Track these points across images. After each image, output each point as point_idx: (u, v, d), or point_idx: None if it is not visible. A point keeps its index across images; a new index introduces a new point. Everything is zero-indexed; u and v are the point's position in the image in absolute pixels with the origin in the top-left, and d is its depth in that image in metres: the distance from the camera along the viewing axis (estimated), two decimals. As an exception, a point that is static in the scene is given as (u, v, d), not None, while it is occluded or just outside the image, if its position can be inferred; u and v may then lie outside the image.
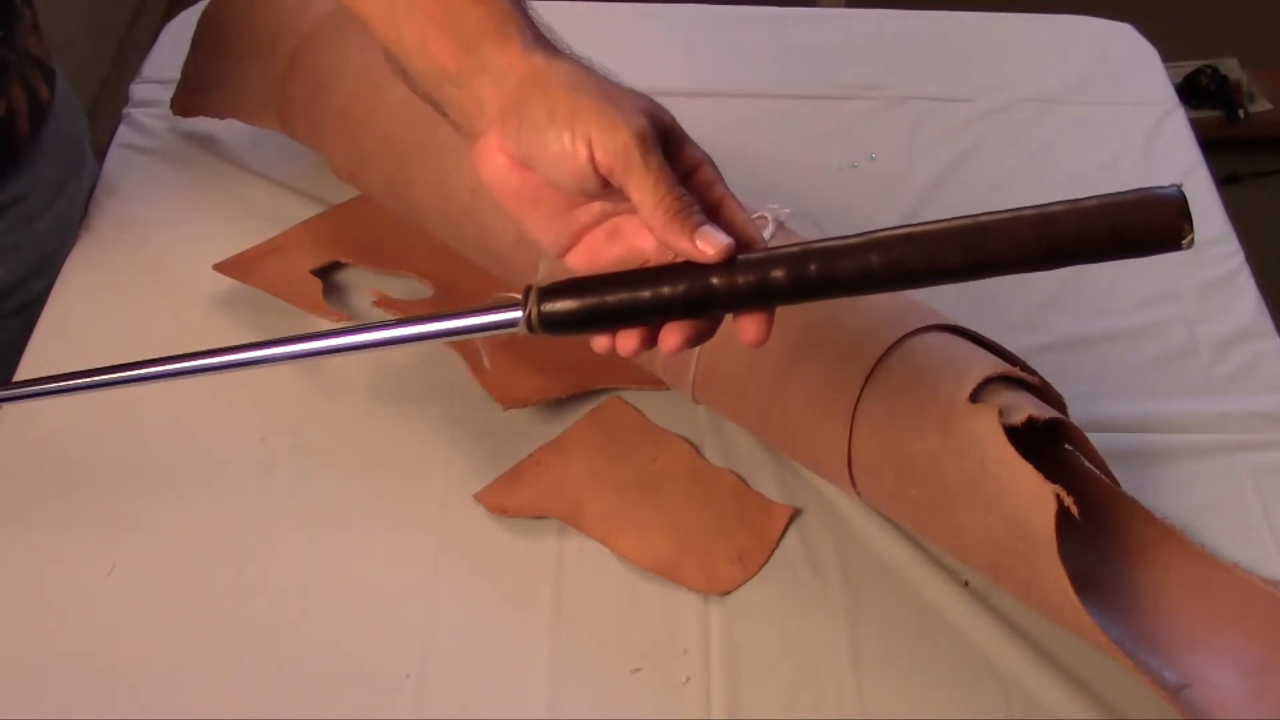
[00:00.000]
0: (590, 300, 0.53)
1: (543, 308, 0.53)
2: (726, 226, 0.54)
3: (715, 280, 0.52)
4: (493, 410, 0.77)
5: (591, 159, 0.52)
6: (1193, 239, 0.48)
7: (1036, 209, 0.50)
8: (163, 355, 0.80)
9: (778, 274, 0.51)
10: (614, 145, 0.51)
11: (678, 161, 0.54)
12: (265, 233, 0.86)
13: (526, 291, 0.54)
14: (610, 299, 0.53)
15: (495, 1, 0.55)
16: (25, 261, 0.87)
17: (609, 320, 0.53)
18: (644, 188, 0.52)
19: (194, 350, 0.59)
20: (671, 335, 0.54)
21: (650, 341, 0.54)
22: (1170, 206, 0.48)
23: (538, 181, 0.54)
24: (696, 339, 0.54)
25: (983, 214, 0.50)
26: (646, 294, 0.52)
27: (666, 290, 0.52)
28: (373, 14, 0.59)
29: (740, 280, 0.52)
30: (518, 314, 0.54)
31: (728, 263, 0.52)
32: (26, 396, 0.64)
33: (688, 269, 0.52)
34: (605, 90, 0.53)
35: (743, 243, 0.54)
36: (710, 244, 0.52)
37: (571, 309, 0.53)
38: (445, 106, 0.57)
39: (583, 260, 0.56)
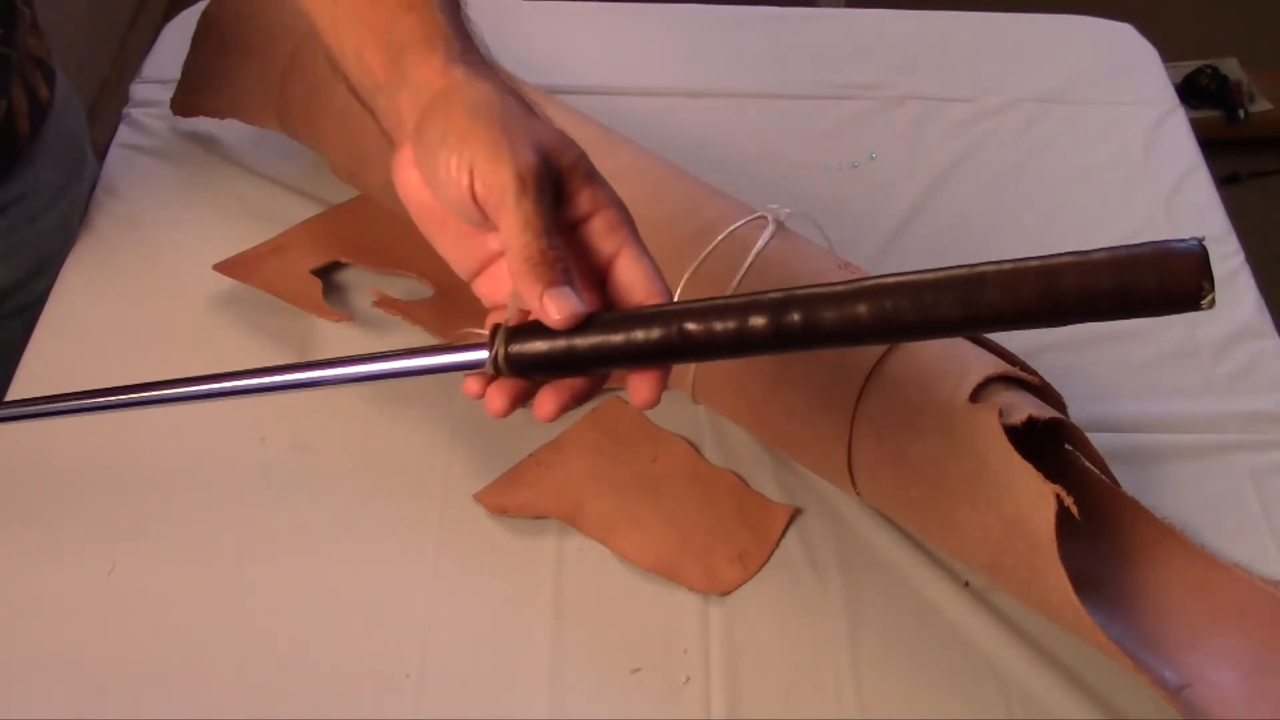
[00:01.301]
0: (560, 343, 0.50)
1: (510, 349, 0.50)
2: (622, 279, 0.51)
3: (691, 327, 0.49)
4: (493, 410, 0.77)
5: (472, 188, 0.49)
6: (1213, 299, 0.43)
7: (1040, 260, 0.45)
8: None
9: (758, 321, 0.48)
10: (493, 179, 0.49)
11: (574, 205, 0.51)
12: (265, 233, 0.86)
13: (494, 330, 0.51)
14: (581, 342, 0.50)
15: (427, 10, 0.54)
16: (27, 261, 0.87)
17: (579, 364, 0.51)
18: (511, 230, 0.49)
19: (150, 381, 0.57)
20: (547, 402, 0.51)
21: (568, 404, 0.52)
22: (1188, 262, 0.43)
23: None
24: (574, 404, 0.52)
25: (982, 264, 0.46)
26: (619, 339, 0.49)
27: (640, 335, 0.49)
28: (319, 18, 0.57)
29: (718, 327, 0.49)
30: (483, 354, 0.51)
31: (705, 309, 0.49)
32: (25, 417, 0.62)
33: (662, 314, 0.49)
34: (507, 118, 0.50)
35: (634, 298, 0.51)
36: (556, 307, 0.48)
37: (540, 351, 0.50)
38: (378, 116, 0.56)
39: (487, 289, 0.54)
